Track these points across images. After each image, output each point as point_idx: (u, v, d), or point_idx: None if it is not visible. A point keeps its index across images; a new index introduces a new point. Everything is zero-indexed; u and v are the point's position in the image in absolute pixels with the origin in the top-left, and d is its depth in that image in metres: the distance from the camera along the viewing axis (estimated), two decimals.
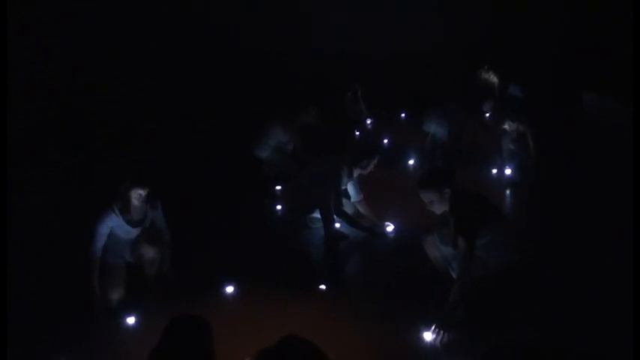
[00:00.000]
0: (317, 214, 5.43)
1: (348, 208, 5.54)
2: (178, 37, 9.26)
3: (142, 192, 4.46)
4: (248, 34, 9.59)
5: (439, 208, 3.95)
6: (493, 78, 8.98)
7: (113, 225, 4.46)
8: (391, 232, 5.40)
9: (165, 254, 4.72)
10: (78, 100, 7.77)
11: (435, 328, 3.75)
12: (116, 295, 4.41)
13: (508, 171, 6.55)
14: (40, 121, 7.18)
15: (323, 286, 4.53)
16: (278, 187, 6.52)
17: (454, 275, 4.04)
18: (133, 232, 4.58)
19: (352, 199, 5.57)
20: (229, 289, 4.55)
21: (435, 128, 7.53)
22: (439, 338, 3.73)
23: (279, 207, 6.07)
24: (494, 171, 6.66)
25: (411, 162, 7.42)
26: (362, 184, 5.56)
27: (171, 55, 8.98)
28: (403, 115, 9.48)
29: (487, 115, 9.02)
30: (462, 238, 3.78)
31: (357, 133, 8.54)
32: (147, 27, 9.14)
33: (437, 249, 4.18)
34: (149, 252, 4.55)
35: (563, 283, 4.13)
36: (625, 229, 4.08)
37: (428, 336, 3.74)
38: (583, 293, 3.99)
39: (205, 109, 7.79)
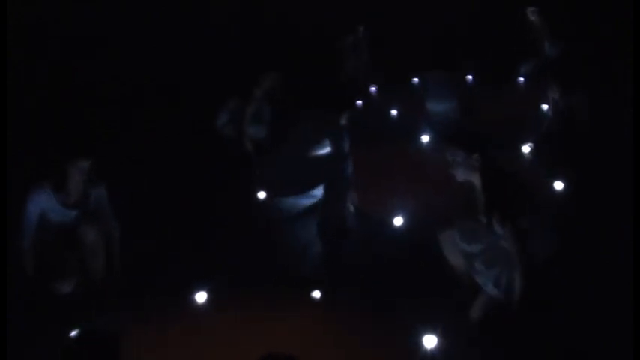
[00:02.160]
0: (307, 199, 4.66)
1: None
2: (178, 37, 9.25)
3: (84, 165, 3.66)
4: (248, 33, 9.57)
5: (462, 174, 3.54)
6: (543, 26, 7.15)
7: (44, 207, 3.66)
8: (399, 226, 4.69)
9: (113, 246, 3.90)
10: (78, 100, 7.75)
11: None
12: (63, 287, 3.74)
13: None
14: (40, 121, 7.16)
15: (317, 293, 4.01)
16: (258, 171, 5.62)
17: (477, 279, 3.60)
18: (70, 216, 3.72)
19: None
20: (201, 297, 3.91)
21: (433, 105, 6.42)
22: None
23: (262, 194, 5.18)
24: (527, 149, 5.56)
25: (425, 138, 6.28)
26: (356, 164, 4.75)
27: (171, 55, 8.96)
28: (416, 80, 7.98)
29: (521, 79, 7.46)
30: (498, 221, 3.38)
31: (360, 102, 7.35)
32: (147, 27, 9.14)
33: (456, 247, 3.71)
34: (88, 234, 3.68)
35: (564, 282, 4.12)
36: (625, 228, 4.07)
37: (429, 341, 3.43)
38: (583, 293, 3.98)
39: (205, 109, 7.76)
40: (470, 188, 3.58)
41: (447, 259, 3.80)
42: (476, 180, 3.54)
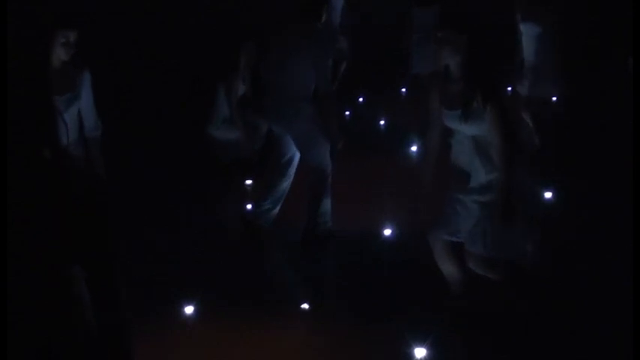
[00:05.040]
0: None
1: None
2: (178, 36, 9.26)
3: (70, 36, 3.06)
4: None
5: (448, 55, 3.30)
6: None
7: None
8: (389, 236, 4.57)
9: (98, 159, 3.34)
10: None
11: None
12: None
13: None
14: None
15: (305, 304, 3.88)
16: (248, 182, 5.50)
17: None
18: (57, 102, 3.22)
19: None
20: (188, 310, 3.77)
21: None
22: None
23: (249, 206, 4.96)
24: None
25: (414, 148, 6.22)
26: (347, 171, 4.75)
27: (171, 54, 8.97)
28: (404, 90, 8.07)
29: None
30: (490, 103, 3.17)
31: (347, 112, 7.37)
32: (148, 26, 9.14)
33: (447, 247, 3.54)
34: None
35: (564, 283, 4.11)
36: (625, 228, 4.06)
37: (420, 353, 3.30)
38: (583, 294, 3.96)
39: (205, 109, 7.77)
40: (489, 143, 3.29)
41: (440, 267, 3.62)
42: (455, 62, 3.31)
